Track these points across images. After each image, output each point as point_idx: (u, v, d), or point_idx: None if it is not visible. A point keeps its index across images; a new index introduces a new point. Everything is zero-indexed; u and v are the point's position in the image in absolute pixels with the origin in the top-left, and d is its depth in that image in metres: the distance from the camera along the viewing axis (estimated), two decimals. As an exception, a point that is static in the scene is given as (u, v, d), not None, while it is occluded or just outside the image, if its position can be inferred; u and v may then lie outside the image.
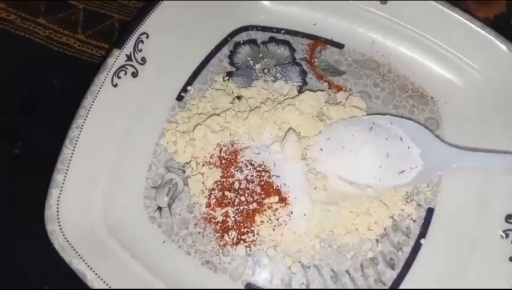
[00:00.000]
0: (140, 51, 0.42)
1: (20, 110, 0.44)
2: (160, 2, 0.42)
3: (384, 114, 0.43)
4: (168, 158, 0.42)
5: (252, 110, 0.42)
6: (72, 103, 0.44)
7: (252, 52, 0.48)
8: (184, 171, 0.41)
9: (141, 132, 0.42)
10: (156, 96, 0.43)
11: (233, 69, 0.47)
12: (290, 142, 0.39)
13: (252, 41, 0.48)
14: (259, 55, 0.48)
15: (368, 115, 0.43)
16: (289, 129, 0.40)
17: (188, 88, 0.45)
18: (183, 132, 0.42)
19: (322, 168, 0.40)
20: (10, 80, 0.45)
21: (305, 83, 0.46)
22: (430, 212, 0.40)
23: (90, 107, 0.38)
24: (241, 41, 0.48)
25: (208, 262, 0.38)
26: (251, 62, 0.47)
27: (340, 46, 0.48)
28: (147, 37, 0.42)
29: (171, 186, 0.41)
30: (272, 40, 0.49)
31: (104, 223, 0.36)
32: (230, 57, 0.48)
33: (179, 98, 0.45)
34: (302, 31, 0.49)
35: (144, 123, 0.42)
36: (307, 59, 0.48)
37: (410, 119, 0.42)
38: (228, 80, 0.46)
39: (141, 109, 0.42)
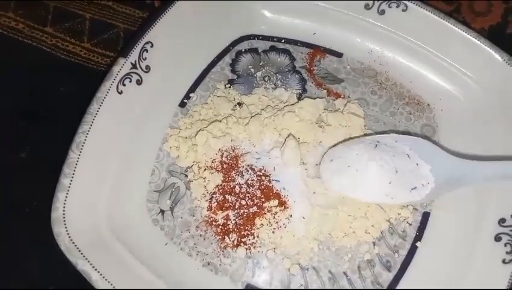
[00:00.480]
0: (145, 59, 0.43)
1: (27, 115, 0.45)
2: (165, 12, 0.44)
3: (389, 132, 0.43)
4: (170, 163, 0.43)
5: (252, 116, 0.43)
6: (78, 109, 0.46)
7: (253, 61, 0.49)
8: (186, 176, 0.43)
9: (145, 137, 0.43)
10: (160, 103, 0.44)
11: (235, 76, 0.48)
12: (290, 147, 0.40)
13: (253, 50, 0.50)
14: (260, 64, 0.49)
15: (370, 135, 0.43)
16: (288, 135, 0.41)
17: (191, 95, 0.47)
18: (186, 138, 0.43)
19: (329, 189, 0.40)
20: (18, 87, 0.46)
21: (304, 90, 0.48)
22: (426, 216, 0.41)
23: (96, 113, 0.39)
24: (243, 50, 0.50)
25: (209, 264, 0.39)
26: (252, 70, 0.49)
27: (339, 54, 0.50)
28: (152, 46, 0.43)
29: (173, 190, 0.42)
30: (272, 48, 0.50)
31: (108, 226, 0.37)
32: (232, 65, 0.49)
33: (182, 104, 0.46)
34: (302, 40, 0.51)
35: (148, 129, 0.43)
36: (306, 67, 0.49)
37: (416, 135, 0.43)
38: (230, 87, 0.47)
39: (145, 115, 0.43)
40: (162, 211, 0.41)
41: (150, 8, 0.53)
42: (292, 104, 0.45)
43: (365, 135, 0.44)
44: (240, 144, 0.42)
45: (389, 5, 0.47)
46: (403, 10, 0.47)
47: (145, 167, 0.42)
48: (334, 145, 0.42)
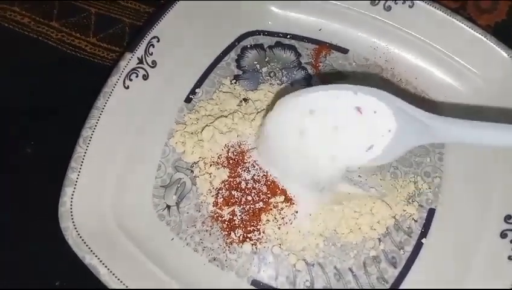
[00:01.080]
0: (151, 54, 0.43)
1: (32, 110, 0.45)
2: (171, 7, 0.44)
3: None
4: (176, 158, 0.43)
5: (259, 112, 0.43)
6: (84, 103, 0.46)
7: (258, 56, 0.49)
8: (192, 171, 0.43)
9: (151, 133, 0.43)
10: (166, 98, 0.44)
11: (240, 72, 0.48)
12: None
13: (259, 46, 0.50)
14: (266, 59, 0.49)
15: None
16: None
17: (197, 90, 0.47)
18: (192, 133, 0.43)
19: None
20: (23, 81, 0.46)
21: (309, 86, 0.48)
22: (431, 212, 0.41)
23: (103, 108, 0.39)
24: (248, 46, 0.50)
25: (215, 259, 0.39)
26: (258, 66, 0.49)
27: (344, 51, 0.50)
28: (158, 41, 0.43)
29: (179, 185, 0.42)
30: (278, 44, 0.50)
31: (115, 220, 0.37)
32: (238, 60, 0.49)
33: (188, 100, 0.46)
34: (307, 36, 0.51)
35: (154, 124, 0.43)
36: (312, 63, 0.49)
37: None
38: (235, 83, 0.47)
39: (151, 111, 0.43)
40: (168, 207, 0.41)
41: (156, 3, 0.52)
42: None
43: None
44: (246, 139, 0.42)
45: (395, 1, 0.47)
46: (410, 6, 0.47)
47: (151, 162, 0.42)
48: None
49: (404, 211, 0.41)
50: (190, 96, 0.46)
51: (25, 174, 0.42)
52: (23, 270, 0.39)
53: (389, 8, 0.48)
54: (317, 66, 0.49)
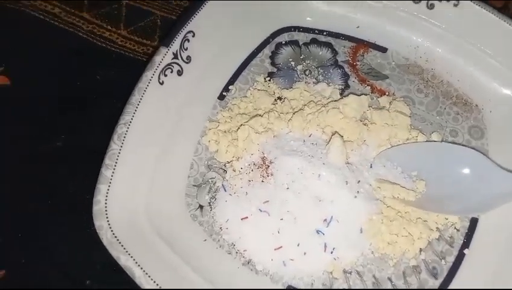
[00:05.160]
0: (186, 49, 0.42)
1: (62, 102, 0.44)
2: (207, 1, 0.43)
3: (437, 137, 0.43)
4: (209, 157, 0.42)
5: (295, 112, 0.42)
6: (114, 97, 0.45)
7: (293, 54, 0.48)
8: (225, 171, 0.41)
9: (183, 130, 0.42)
10: (199, 94, 0.43)
11: (275, 69, 0.47)
12: (335, 146, 0.38)
13: (294, 43, 0.48)
14: (301, 57, 0.47)
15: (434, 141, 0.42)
16: (334, 133, 0.40)
17: (230, 88, 0.45)
18: (225, 131, 0.42)
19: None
20: (54, 73, 0.45)
21: (347, 86, 0.46)
22: (474, 222, 0.40)
23: (138, 104, 0.38)
24: (283, 42, 0.48)
25: (248, 263, 0.38)
26: (292, 63, 0.47)
27: (383, 49, 0.48)
28: (193, 35, 0.42)
29: (212, 185, 0.41)
30: (313, 41, 0.48)
31: (148, 220, 0.36)
32: (272, 57, 0.47)
33: (221, 97, 0.45)
34: (344, 33, 0.49)
35: (186, 121, 0.42)
36: (349, 62, 0.47)
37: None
38: (269, 80, 0.46)
39: (184, 107, 0.42)
40: (201, 207, 0.40)
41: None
42: (336, 100, 0.43)
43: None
44: (282, 139, 0.41)
45: (439, 0, 0.45)
46: (454, 5, 0.45)
47: (184, 161, 0.41)
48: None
49: (446, 219, 0.39)
50: (223, 93, 0.45)
51: (54, 169, 0.41)
52: (52, 269, 0.38)
53: (432, 6, 0.46)
54: (355, 64, 0.47)
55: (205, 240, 0.38)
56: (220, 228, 0.39)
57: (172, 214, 0.39)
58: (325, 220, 0.37)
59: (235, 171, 0.41)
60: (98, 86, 0.45)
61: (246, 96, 0.45)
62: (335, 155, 0.38)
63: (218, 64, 0.45)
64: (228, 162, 0.41)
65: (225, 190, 0.40)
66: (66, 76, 0.45)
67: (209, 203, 0.40)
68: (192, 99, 0.43)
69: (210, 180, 0.41)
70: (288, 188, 0.38)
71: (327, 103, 0.43)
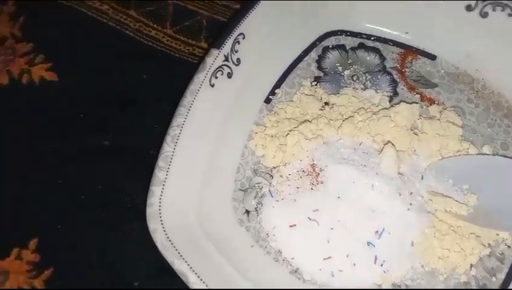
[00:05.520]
0: (237, 52, 0.41)
1: (109, 101, 0.44)
2: (258, 2, 0.42)
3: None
4: (255, 161, 0.42)
5: (345, 119, 0.41)
6: (161, 97, 0.45)
7: (340, 58, 0.47)
8: (271, 176, 0.41)
9: (230, 133, 0.41)
10: (246, 98, 0.43)
11: (321, 74, 0.46)
12: (389, 155, 0.38)
13: (341, 47, 0.47)
14: (348, 62, 0.47)
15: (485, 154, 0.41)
16: (387, 142, 0.39)
17: (276, 91, 0.45)
18: (272, 136, 0.42)
19: None
20: (101, 71, 0.45)
21: (395, 93, 0.45)
22: (526, 239, 0.39)
23: (190, 106, 0.38)
24: (330, 46, 0.47)
25: (296, 271, 0.37)
26: (340, 68, 0.46)
27: (432, 57, 0.47)
28: (244, 38, 0.41)
29: (258, 190, 0.41)
30: (361, 46, 0.48)
31: (198, 223, 0.36)
32: (319, 61, 0.47)
33: (267, 100, 0.44)
34: (393, 38, 0.48)
35: (234, 124, 0.42)
36: (397, 68, 0.46)
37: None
38: (316, 85, 0.45)
39: (231, 110, 0.41)
40: (248, 212, 0.39)
41: (233, -4, 0.50)
42: (386, 108, 0.42)
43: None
44: (332, 147, 0.40)
45: (493, 8, 0.44)
46: (509, 15, 0.44)
47: (231, 164, 0.41)
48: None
49: (497, 235, 0.39)
50: (270, 96, 0.45)
51: (102, 168, 0.41)
52: (100, 269, 0.38)
53: (485, 15, 0.45)
54: (403, 71, 0.46)
55: (252, 246, 0.38)
56: (267, 234, 0.38)
57: (220, 218, 0.38)
58: (377, 231, 0.37)
59: (282, 177, 0.40)
60: (144, 85, 0.45)
61: (293, 101, 0.44)
62: (388, 165, 0.38)
63: (265, 67, 0.44)
64: (275, 168, 0.41)
65: (272, 196, 0.40)
66: (113, 74, 0.45)
67: (255, 208, 0.40)
68: (239, 102, 0.42)
69: (256, 185, 0.41)
70: (339, 197, 0.37)
71: (378, 111, 0.42)
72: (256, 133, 0.42)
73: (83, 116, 0.43)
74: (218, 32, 0.48)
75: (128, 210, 0.38)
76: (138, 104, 0.44)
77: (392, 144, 0.39)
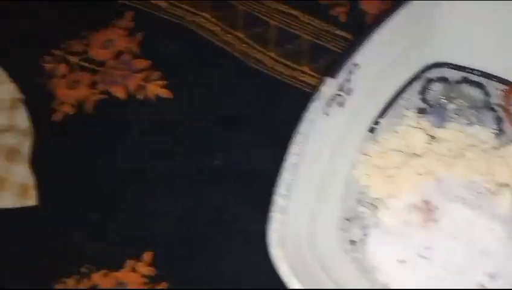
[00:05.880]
0: (350, 81, 0.42)
1: (219, 121, 0.46)
2: (374, 32, 0.42)
3: None
4: (359, 191, 0.42)
5: (455, 155, 0.41)
6: (266, 119, 0.46)
7: (444, 91, 0.46)
8: (376, 207, 0.41)
9: (336, 161, 0.42)
10: (352, 127, 0.43)
11: (425, 106, 0.46)
12: (507, 198, 0.37)
13: (445, 80, 0.47)
14: (452, 95, 0.46)
15: None
16: (504, 184, 0.38)
17: (380, 121, 0.45)
18: (378, 167, 0.42)
19: None
20: (212, 90, 0.47)
21: (501, 130, 0.44)
22: None
23: (307, 134, 0.38)
24: (434, 78, 0.47)
25: (406, 309, 0.37)
26: (444, 101, 0.46)
27: (539, 96, 0.46)
28: (357, 67, 0.42)
29: (362, 220, 0.41)
30: (465, 80, 0.47)
31: (310, 251, 0.37)
32: (422, 93, 0.46)
33: (371, 130, 0.44)
34: (497, 74, 0.47)
35: (340, 153, 0.42)
36: (502, 105, 0.46)
37: None
38: (420, 116, 0.45)
39: (338, 139, 0.42)
40: (353, 242, 0.40)
41: (334, 20, 0.51)
42: (496, 148, 0.42)
43: None
44: (443, 186, 0.40)
45: None
46: None
47: (336, 192, 0.41)
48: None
49: None
50: (373, 126, 0.45)
51: (215, 188, 0.42)
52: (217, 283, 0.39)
53: None
54: (508, 109, 0.46)
55: (357, 278, 0.38)
56: (373, 266, 0.39)
57: (328, 246, 0.39)
58: (491, 275, 0.36)
59: (388, 209, 0.40)
60: (250, 106, 0.46)
61: (397, 132, 0.44)
62: (506, 208, 0.37)
63: (371, 96, 0.44)
64: (379, 199, 0.41)
65: (378, 228, 0.40)
66: (223, 94, 0.47)
67: (361, 239, 0.40)
68: (345, 131, 0.43)
69: (361, 215, 0.41)
70: (455, 237, 0.37)
71: (487, 149, 0.41)
72: (361, 162, 0.42)
73: (194, 135, 0.44)
74: (319, 56, 0.50)
75: (243, 233, 0.39)
76: (246, 125, 0.45)
77: (510, 186, 0.38)
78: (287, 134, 0.44)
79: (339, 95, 0.41)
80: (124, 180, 0.43)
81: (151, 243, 0.40)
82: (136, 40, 0.47)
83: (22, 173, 0.42)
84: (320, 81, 0.43)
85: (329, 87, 0.40)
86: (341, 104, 0.41)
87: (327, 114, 0.40)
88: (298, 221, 0.37)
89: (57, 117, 0.45)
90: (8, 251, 0.41)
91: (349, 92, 0.42)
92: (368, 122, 0.45)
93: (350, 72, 0.42)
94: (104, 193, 0.42)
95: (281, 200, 0.35)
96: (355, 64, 0.42)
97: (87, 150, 0.44)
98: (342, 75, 0.41)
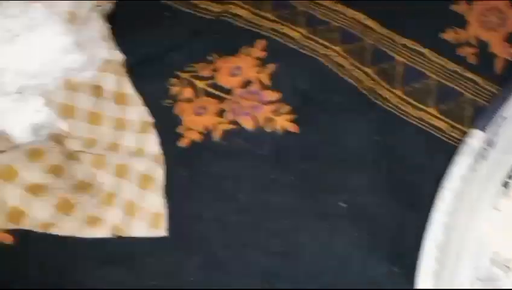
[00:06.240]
0: (497, 135, 0.40)
1: (342, 160, 0.44)
2: (523, 84, 0.40)
3: None
4: (492, 250, 0.40)
5: None
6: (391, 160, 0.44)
7: None
8: (509, 268, 0.39)
9: (472, 217, 0.40)
10: (489, 181, 0.41)
11: (559, 162, 0.44)
12: None
13: None
14: None
15: None
16: None
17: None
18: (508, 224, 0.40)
19: None
20: (335, 128, 0.45)
21: None
22: None
23: (455, 190, 0.37)
24: None
25: None
26: None
27: None
28: (505, 121, 0.40)
29: (497, 282, 0.39)
30: None
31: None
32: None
33: (505, 184, 0.42)
34: None
35: (476, 208, 0.40)
36: None
37: None
38: (556, 173, 0.43)
39: (477, 193, 0.40)
40: (489, 305, 0.38)
41: (462, 61, 0.48)
42: None
43: None
44: None
45: None
46: None
47: (470, 251, 0.40)
48: None
49: None
50: (507, 180, 0.43)
51: (337, 230, 0.41)
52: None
53: None
54: None
55: None
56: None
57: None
58: None
59: (525, 273, 0.38)
60: (374, 147, 0.44)
61: (530, 188, 0.42)
62: None
63: (509, 149, 0.42)
64: (513, 260, 0.39)
65: (513, 292, 0.38)
66: (346, 132, 0.45)
67: (497, 303, 0.38)
68: (484, 185, 0.41)
69: (495, 276, 0.39)
70: None
71: None
72: (494, 218, 0.40)
73: (319, 173, 0.43)
74: (445, 98, 0.47)
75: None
76: (367, 165, 0.44)
77: None
78: (414, 181, 0.43)
79: (485, 148, 0.40)
80: (247, 211, 0.42)
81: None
82: (267, 71, 0.45)
83: (155, 202, 0.40)
84: (467, 134, 0.41)
85: (478, 140, 0.39)
86: (484, 158, 0.40)
87: (474, 169, 0.38)
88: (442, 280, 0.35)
89: (183, 143, 0.44)
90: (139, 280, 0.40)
91: (493, 144, 0.40)
92: (503, 176, 0.43)
93: (498, 126, 0.40)
94: (227, 226, 0.41)
95: (433, 263, 0.34)
96: (504, 118, 0.40)
97: (211, 179, 0.43)
98: (491, 128, 0.39)
